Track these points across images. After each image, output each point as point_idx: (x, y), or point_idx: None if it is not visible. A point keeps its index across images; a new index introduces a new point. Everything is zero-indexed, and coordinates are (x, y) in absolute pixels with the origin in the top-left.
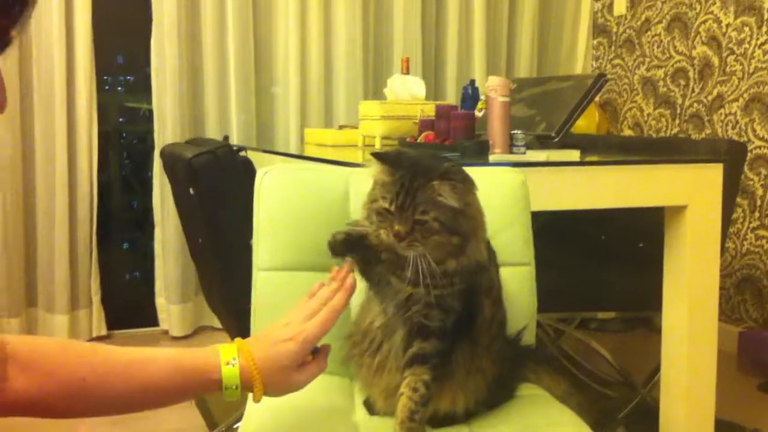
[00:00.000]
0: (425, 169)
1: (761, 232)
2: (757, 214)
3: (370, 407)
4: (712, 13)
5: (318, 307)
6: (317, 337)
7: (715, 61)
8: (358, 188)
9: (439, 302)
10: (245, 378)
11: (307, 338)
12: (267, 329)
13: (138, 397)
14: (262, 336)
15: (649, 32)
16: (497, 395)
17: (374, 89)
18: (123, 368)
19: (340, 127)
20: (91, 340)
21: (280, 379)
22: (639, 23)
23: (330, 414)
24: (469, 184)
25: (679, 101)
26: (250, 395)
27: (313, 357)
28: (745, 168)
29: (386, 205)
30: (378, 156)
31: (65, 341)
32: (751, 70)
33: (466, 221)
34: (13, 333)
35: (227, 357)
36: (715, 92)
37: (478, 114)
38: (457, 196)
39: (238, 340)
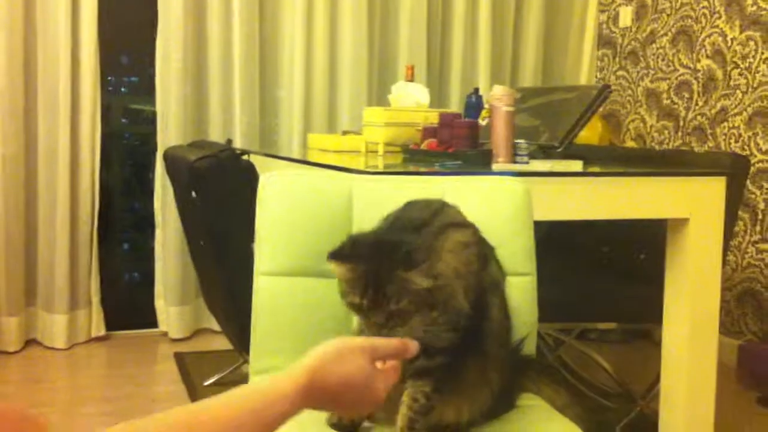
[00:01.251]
0: (387, 259)
1: (762, 246)
2: (758, 228)
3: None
4: (717, 26)
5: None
6: (388, 356)
7: (720, 74)
8: (361, 194)
9: (447, 326)
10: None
11: (379, 354)
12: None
13: None
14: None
15: (654, 44)
16: (499, 406)
17: (378, 96)
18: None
19: (344, 133)
20: (90, 340)
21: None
22: (644, 35)
23: (326, 418)
24: (432, 252)
25: (683, 114)
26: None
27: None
28: (747, 181)
29: (357, 300)
30: (335, 257)
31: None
32: (755, 85)
33: (440, 292)
34: (12, 332)
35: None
36: (718, 106)
37: (482, 123)
38: (424, 276)
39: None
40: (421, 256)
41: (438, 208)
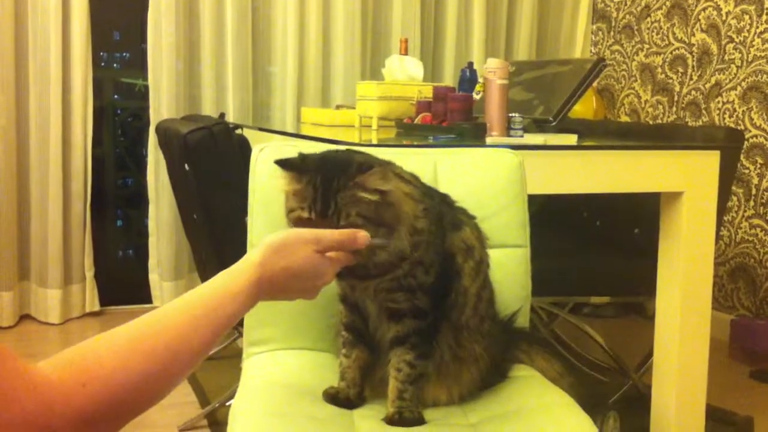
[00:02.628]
0: (337, 169)
1: (756, 221)
2: (752, 203)
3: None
4: (712, 0)
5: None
6: (337, 248)
7: (714, 48)
8: None
9: (401, 283)
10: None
11: (326, 245)
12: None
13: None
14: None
15: (648, 18)
16: (490, 378)
17: (372, 70)
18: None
19: (337, 107)
20: (84, 315)
21: (291, 289)
22: (639, 9)
23: (322, 390)
24: (385, 169)
25: (677, 88)
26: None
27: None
28: (741, 156)
29: (305, 214)
30: (282, 163)
31: (120, 337)
32: (750, 59)
33: (387, 210)
34: (5, 306)
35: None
36: (713, 80)
37: (476, 97)
38: (379, 179)
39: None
40: (374, 167)
41: (388, 161)
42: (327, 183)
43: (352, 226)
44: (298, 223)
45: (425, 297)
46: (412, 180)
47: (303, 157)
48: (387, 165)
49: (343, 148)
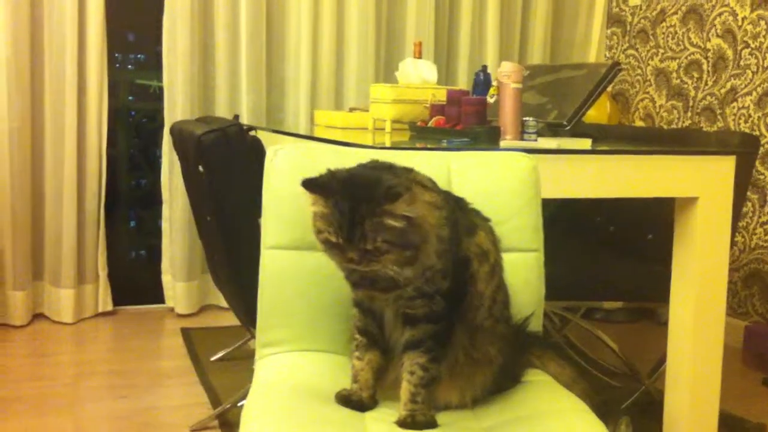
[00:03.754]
0: (364, 194)
1: None
2: (766, 209)
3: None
4: (728, 5)
5: None
6: None
7: (730, 54)
8: None
9: (421, 291)
10: None
11: None
12: None
13: None
14: None
15: (663, 23)
16: (504, 381)
17: (386, 73)
18: None
19: (351, 110)
20: (97, 315)
21: None
22: (654, 14)
23: (334, 392)
24: (411, 193)
25: (692, 93)
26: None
27: None
28: (757, 162)
29: (333, 238)
30: (310, 185)
31: None
32: (765, 64)
33: (414, 232)
34: (19, 306)
35: None
36: (728, 85)
37: (490, 100)
38: (402, 218)
39: None
40: (401, 192)
41: (409, 169)
42: (354, 209)
43: (379, 252)
44: (325, 243)
45: (442, 302)
46: (432, 186)
47: (330, 176)
48: (408, 172)
49: (359, 149)
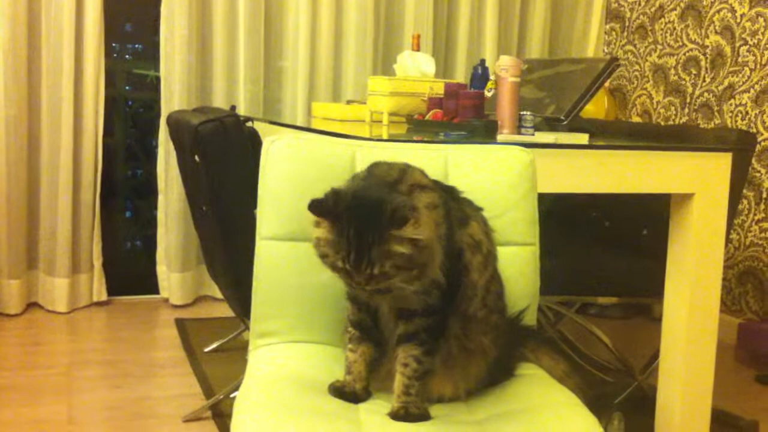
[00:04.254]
0: (371, 219)
1: (766, 225)
2: (762, 207)
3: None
4: (726, 2)
5: None
6: None
7: (728, 51)
8: (364, 161)
9: (418, 291)
10: None
11: None
12: None
13: None
14: None
15: (662, 19)
16: (497, 374)
17: (384, 65)
18: None
19: (348, 102)
20: (91, 305)
21: None
22: (653, 10)
23: (327, 384)
24: (417, 213)
25: (690, 90)
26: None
27: None
28: (753, 160)
29: (340, 263)
30: (316, 209)
31: None
32: (763, 62)
33: (420, 254)
34: (13, 295)
35: None
36: (726, 82)
37: (488, 94)
38: (409, 241)
39: None
40: (407, 216)
41: (403, 169)
42: (361, 236)
43: (386, 276)
44: (332, 267)
45: (438, 295)
46: (427, 182)
47: (335, 198)
48: (407, 170)
49: (355, 140)
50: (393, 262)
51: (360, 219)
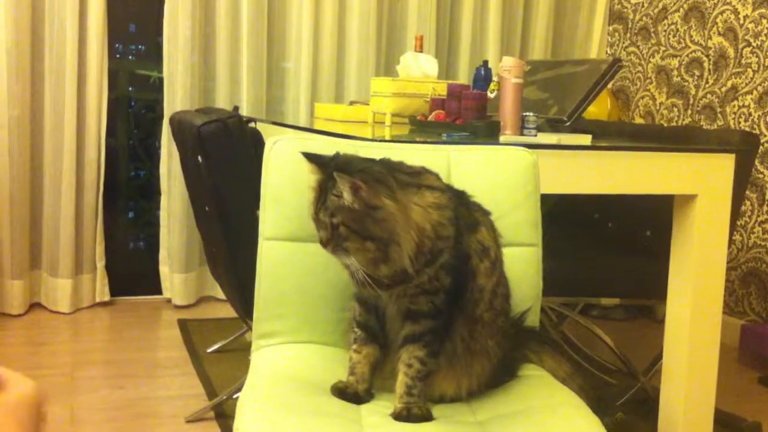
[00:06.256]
0: (342, 169)
1: None
2: (765, 208)
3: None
4: (730, 3)
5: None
6: None
7: (731, 52)
8: None
9: (423, 288)
10: None
11: None
12: None
13: None
14: None
15: (665, 21)
16: (500, 375)
17: (386, 66)
18: None
19: (351, 103)
20: (94, 306)
21: None
22: (656, 11)
23: (330, 384)
24: (381, 186)
25: (693, 91)
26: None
27: None
28: (756, 161)
29: (311, 211)
30: (308, 156)
31: None
32: (766, 63)
33: (375, 225)
34: (16, 295)
35: None
36: (729, 84)
37: (491, 95)
38: (355, 196)
39: None
40: (364, 177)
41: (418, 171)
42: (325, 183)
43: (339, 236)
44: (313, 221)
45: (444, 298)
46: (438, 184)
47: (333, 156)
48: (422, 172)
49: (358, 141)
50: (343, 218)
51: (335, 168)
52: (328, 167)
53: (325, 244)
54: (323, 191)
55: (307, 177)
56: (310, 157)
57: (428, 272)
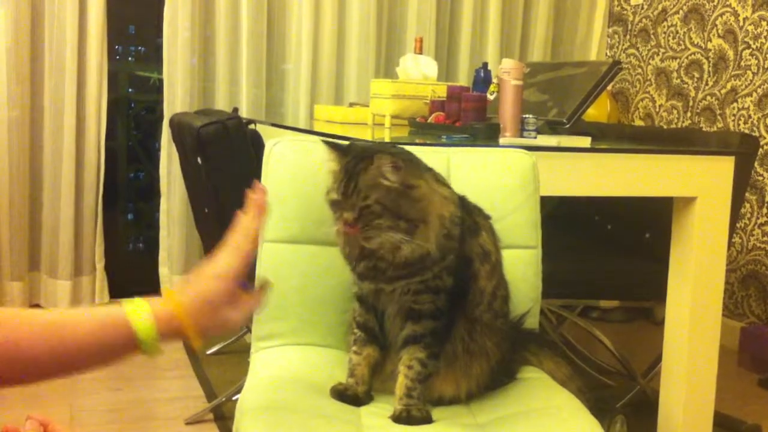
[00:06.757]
0: (370, 153)
1: None
2: (765, 210)
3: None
4: (729, 6)
5: (240, 238)
6: (240, 269)
7: (731, 54)
8: None
9: (428, 285)
10: (174, 325)
11: (230, 272)
12: (199, 269)
13: (64, 358)
14: (193, 277)
15: (665, 23)
16: (499, 377)
17: (386, 68)
18: (45, 330)
19: (351, 105)
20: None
21: (212, 318)
22: (656, 13)
23: (329, 386)
24: (414, 167)
25: (692, 94)
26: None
27: (246, 292)
28: (756, 163)
29: (334, 194)
30: (327, 142)
31: None
32: (766, 65)
33: (410, 205)
34: (15, 296)
35: (137, 312)
36: (728, 86)
37: (490, 97)
38: (397, 175)
39: (166, 288)
40: (401, 156)
41: (430, 168)
42: (354, 165)
43: (371, 213)
44: (331, 205)
45: (446, 298)
46: (446, 182)
47: (352, 143)
48: (432, 169)
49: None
50: (378, 196)
51: (361, 153)
52: (349, 152)
53: (351, 225)
54: (349, 173)
55: (326, 164)
56: (331, 144)
57: (433, 270)
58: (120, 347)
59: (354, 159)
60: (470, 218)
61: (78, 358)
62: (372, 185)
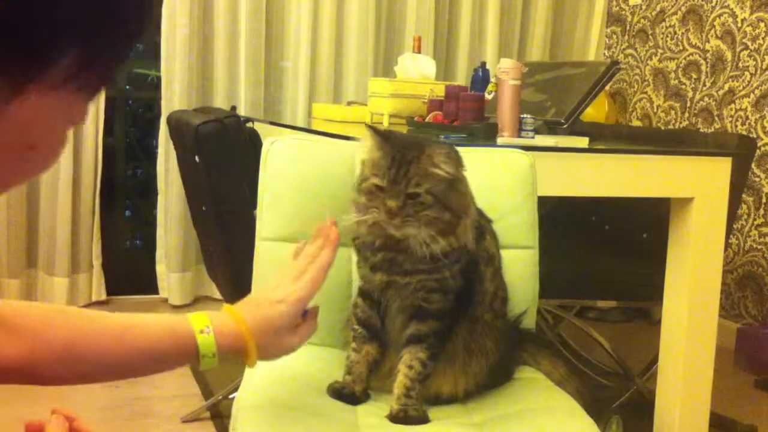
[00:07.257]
0: (417, 143)
1: (765, 230)
2: (761, 211)
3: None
4: (727, 7)
5: (305, 265)
6: (309, 296)
7: (729, 55)
8: None
9: (442, 285)
10: (237, 343)
11: (298, 299)
12: (256, 294)
13: (128, 361)
14: (252, 300)
15: (663, 23)
16: (496, 377)
17: (384, 67)
18: (113, 331)
19: (349, 104)
20: (90, 305)
21: (273, 341)
22: (654, 14)
23: (326, 385)
24: (460, 158)
25: (690, 94)
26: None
27: (303, 318)
28: (753, 164)
29: (377, 181)
30: (371, 128)
31: (53, 306)
32: (764, 67)
33: (457, 196)
34: (12, 294)
35: (200, 325)
36: (726, 87)
37: (488, 97)
38: (451, 164)
39: (227, 306)
40: (451, 147)
41: None
42: (404, 154)
43: (420, 203)
44: (368, 193)
45: (453, 300)
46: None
47: (390, 131)
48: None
49: (356, 142)
50: (429, 187)
51: (406, 142)
52: (391, 140)
53: (395, 213)
54: (398, 161)
55: (365, 147)
56: (376, 131)
57: (452, 269)
58: (180, 357)
59: (403, 147)
60: (478, 221)
61: (139, 363)
62: (424, 174)
